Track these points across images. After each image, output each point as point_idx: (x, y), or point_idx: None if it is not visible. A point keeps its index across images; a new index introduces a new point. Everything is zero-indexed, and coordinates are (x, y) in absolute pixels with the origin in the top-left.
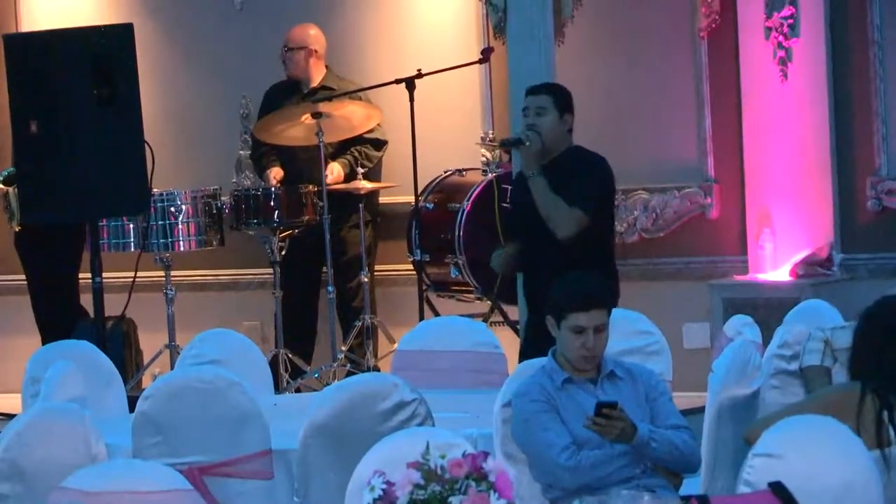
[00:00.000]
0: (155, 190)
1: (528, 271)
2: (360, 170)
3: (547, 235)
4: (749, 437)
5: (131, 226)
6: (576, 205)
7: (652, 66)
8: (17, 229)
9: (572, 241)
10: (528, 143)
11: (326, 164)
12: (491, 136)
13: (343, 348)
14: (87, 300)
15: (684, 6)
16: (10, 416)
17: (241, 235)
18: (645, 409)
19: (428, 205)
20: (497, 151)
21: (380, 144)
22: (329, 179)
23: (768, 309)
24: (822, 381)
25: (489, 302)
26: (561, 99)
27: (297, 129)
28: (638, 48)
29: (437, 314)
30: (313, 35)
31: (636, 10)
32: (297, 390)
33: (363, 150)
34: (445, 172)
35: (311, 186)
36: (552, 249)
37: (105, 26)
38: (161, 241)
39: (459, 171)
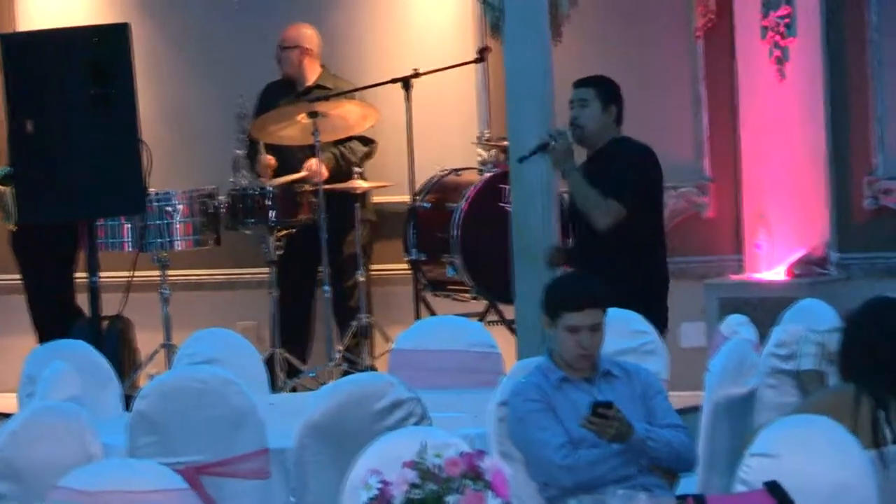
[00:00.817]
0: (151, 189)
1: (578, 266)
2: (356, 170)
3: (592, 230)
4: (748, 444)
5: (127, 225)
6: (611, 195)
7: (648, 65)
8: (13, 229)
9: (612, 233)
10: (553, 144)
11: (327, 161)
12: (487, 135)
13: (339, 348)
14: (83, 299)
15: (681, 5)
16: (7, 416)
17: (238, 235)
18: (641, 408)
19: (424, 204)
20: (493, 151)
21: (367, 141)
22: (304, 173)
23: (764, 308)
24: (817, 386)
25: (485, 301)
26: (604, 90)
27: (292, 129)
28: (634, 47)
29: (433, 313)
30: (307, 34)
31: (633, 9)
32: (294, 390)
33: (348, 145)
34: (442, 172)
35: (307, 186)
36: (597, 244)
37: (101, 26)
38: (157, 240)
39: (456, 170)
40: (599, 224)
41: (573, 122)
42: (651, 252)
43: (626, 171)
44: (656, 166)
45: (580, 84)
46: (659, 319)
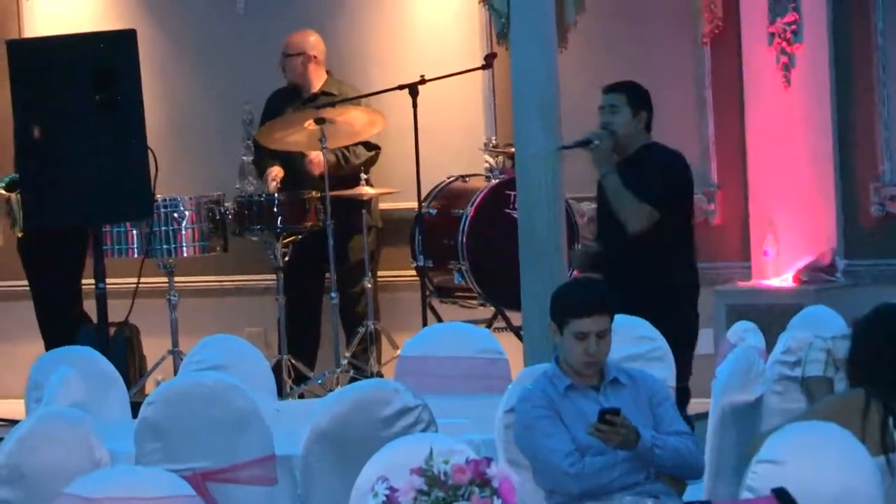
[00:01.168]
0: (158, 196)
1: (608, 270)
2: (363, 176)
3: (624, 234)
4: (753, 451)
5: (134, 231)
6: (645, 200)
7: (655, 71)
8: (19, 235)
9: (645, 237)
10: (596, 143)
11: (325, 169)
12: (494, 141)
13: (346, 354)
14: (90, 306)
15: (687, 12)
16: (13, 422)
17: (245, 241)
18: (648, 415)
19: (431, 210)
20: (500, 157)
21: (371, 147)
22: (312, 157)
23: (772, 315)
24: (824, 393)
25: (492, 308)
26: (634, 96)
27: (299, 135)
28: (641, 53)
29: (440, 320)
30: (311, 41)
31: (639, 16)
32: (301, 396)
33: (352, 148)
34: (448, 178)
35: (313, 192)
36: (629, 247)
37: (108, 32)
38: (164, 246)
39: (462, 177)
40: (633, 227)
41: (604, 127)
42: (682, 257)
43: (659, 175)
44: (688, 171)
45: (610, 89)
46: (688, 322)
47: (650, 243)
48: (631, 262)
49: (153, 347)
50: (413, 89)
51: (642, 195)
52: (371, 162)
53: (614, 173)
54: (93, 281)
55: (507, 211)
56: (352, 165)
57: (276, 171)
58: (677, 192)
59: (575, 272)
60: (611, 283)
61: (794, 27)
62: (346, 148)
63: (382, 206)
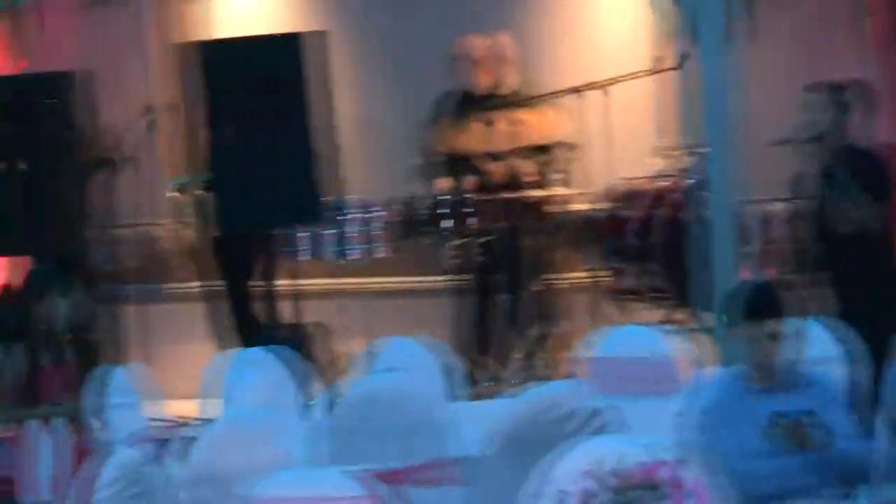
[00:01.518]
0: (350, 197)
1: (833, 268)
2: (554, 176)
3: (844, 232)
4: None
5: (324, 233)
6: (870, 196)
7: (823, 72)
8: (214, 236)
9: (870, 233)
10: (823, 138)
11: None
12: (666, 143)
13: (520, 356)
14: (277, 307)
15: (854, 13)
16: (184, 422)
17: (419, 243)
18: (824, 418)
19: (605, 212)
20: (675, 159)
21: (545, 148)
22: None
23: None
24: None
25: (669, 309)
26: (841, 96)
27: (473, 137)
28: (809, 54)
29: (615, 322)
30: (487, 43)
31: (808, 17)
32: (477, 398)
33: (545, 158)
34: (624, 179)
35: (486, 195)
36: (852, 245)
37: (279, 35)
38: (348, 248)
39: (638, 178)
40: (859, 224)
41: (815, 125)
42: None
43: (878, 173)
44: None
45: (820, 89)
46: None
47: (876, 239)
48: (857, 259)
49: (338, 348)
50: (587, 91)
51: (866, 192)
52: (548, 163)
53: (831, 170)
54: (288, 281)
55: (685, 212)
56: (531, 175)
57: (472, 182)
58: (893, 189)
59: (743, 275)
60: (836, 279)
61: None
62: (547, 155)
63: (555, 207)
